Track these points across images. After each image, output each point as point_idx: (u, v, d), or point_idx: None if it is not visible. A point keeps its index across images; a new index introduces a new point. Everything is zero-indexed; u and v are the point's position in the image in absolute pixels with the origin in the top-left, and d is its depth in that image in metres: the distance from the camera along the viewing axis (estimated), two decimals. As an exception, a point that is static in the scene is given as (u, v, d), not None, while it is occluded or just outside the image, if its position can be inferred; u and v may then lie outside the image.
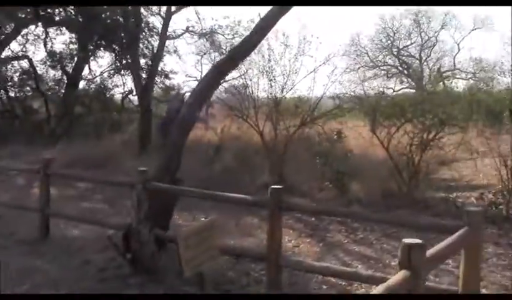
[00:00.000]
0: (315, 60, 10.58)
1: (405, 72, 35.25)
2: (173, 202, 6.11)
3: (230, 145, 12.15)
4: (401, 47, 35.19)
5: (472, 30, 34.74)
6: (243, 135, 12.04)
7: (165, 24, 15.44)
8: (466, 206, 3.98)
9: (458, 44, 34.59)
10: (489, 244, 6.50)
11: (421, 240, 2.71)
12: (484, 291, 4.60)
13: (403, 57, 35.92)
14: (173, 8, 15.37)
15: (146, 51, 16.07)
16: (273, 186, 5.01)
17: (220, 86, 11.42)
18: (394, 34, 35.05)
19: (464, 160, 11.60)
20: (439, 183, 11.75)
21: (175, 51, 17.40)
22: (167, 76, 18.01)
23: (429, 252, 2.84)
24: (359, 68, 34.97)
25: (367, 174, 9.34)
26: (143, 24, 15.38)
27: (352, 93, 9.41)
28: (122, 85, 17.99)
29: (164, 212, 5.89)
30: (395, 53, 35.18)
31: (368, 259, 6.19)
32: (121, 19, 15.01)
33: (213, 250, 4.46)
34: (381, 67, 35.53)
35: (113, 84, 18.02)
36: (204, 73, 10.27)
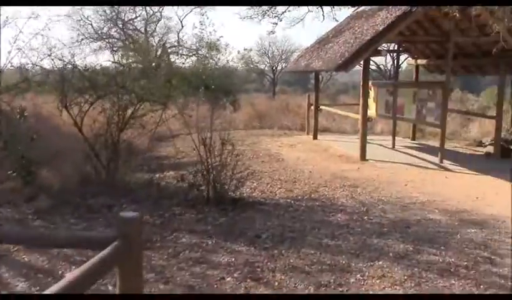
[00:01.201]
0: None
1: (131, 46, 34.39)
2: None
3: None
4: (126, 20, 34.40)
5: (192, 10, 35.90)
6: None
7: None
8: (124, 211, 3.02)
9: (181, 21, 35.47)
10: (185, 233, 6.00)
11: None
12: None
13: (129, 31, 35.02)
14: None
15: None
16: None
17: None
18: (119, 6, 33.82)
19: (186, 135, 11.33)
20: (152, 162, 11.27)
21: None
22: None
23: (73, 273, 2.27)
24: (82, 40, 32.72)
25: (60, 158, 8.04)
26: None
27: (39, 64, 7.86)
28: None
29: None
30: (120, 26, 34.10)
31: None
32: None
33: None
34: (106, 40, 34.05)
35: None
36: None
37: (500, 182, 9.10)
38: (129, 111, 7.96)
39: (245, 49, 33.74)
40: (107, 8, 32.90)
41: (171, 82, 7.63)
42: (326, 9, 22.01)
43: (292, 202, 7.44)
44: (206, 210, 6.90)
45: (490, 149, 12.44)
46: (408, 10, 10.54)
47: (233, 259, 5.16)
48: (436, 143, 13.79)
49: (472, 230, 6.04)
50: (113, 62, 8.38)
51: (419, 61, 14.84)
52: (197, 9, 35.76)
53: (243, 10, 32.89)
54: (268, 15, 21.59)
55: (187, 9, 35.32)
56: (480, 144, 14.30)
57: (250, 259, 5.18)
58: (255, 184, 8.57)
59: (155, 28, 35.52)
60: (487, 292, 4.40)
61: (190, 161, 9.99)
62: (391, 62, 36.31)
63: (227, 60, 9.19)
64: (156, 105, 8.16)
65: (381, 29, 10.75)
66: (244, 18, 22.89)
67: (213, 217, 6.62)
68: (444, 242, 5.60)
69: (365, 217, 6.62)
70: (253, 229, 6.16)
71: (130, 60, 8.83)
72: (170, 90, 7.54)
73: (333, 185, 8.53)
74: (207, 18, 35.21)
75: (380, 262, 5.00)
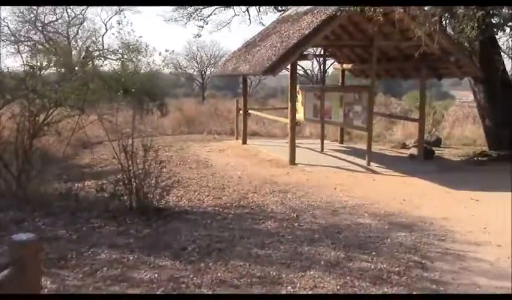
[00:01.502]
0: None
1: (52, 49, 32.78)
2: None
3: None
4: (46, 22, 32.85)
5: (120, 11, 34.92)
6: None
7: None
8: (18, 234, 2.57)
9: (106, 24, 34.39)
10: (104, 248, 5.52)
11: None
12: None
13: (50, 33, 33.42)
14: None
15: None
16: None
17: None
18: (38, 7, 32.26)
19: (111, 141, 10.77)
20: (72, 170, 10.59)
21: None
22: None
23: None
24: (-3, 41, 30.92)
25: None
26: None
27: None
28: None
29: None
30: (40, 28, 32.47)
31: None
32: None
33: None
34: (25, 43, 32.31)
35: None
36: None
37: (425, 183, 9.27)
38: (42, 117, 7.33)
39: (166, 50, 32.88)
40: (24, 9, 31.28)
41: (88, 85, 7.09)
42: (253, 12, 22.06)
43: (220, 210, 7.13)
44: (129, 222, 6.43)
45: (414, 150, 12.76)
46: (333, 14, 10.56)
47: (157, 275, 4.77)
48: (363, 146, 13.99)
49: (402, 234, 6.00)
50: (24, 65, 7.70)
51: (345, 66, 15.04)
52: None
53: (167, 12, 32.34)
54: (193, 18, 21.34)
55: (111, 12, 34.32)
56: (404, 146, 14.69)
57: (175, 274, 4.81)
58: (181, 192, 8.18)
59: (77, 31, 34.24)
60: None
61: (114, 169, 9.42)
62: (317, 67, 37.10)
63: (148, 63, 8.71)
64: (73, 111, 7.59)
65: (307, 32, 10.71)
66: (169, 20, 22.51)
67: (136, 229, 6.18)
68: (375, 247, 5.50)
69: (296, 224, 6.43)
70: (178, 240, 5.78)
71: (45, 63, 8.17)
72: (87, 95, 7.00)
73: (262, 191, 8.31)
74: (124, 16, 34.12)
75: (312, 272, 4.80)
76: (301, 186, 8.78)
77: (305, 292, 4.39)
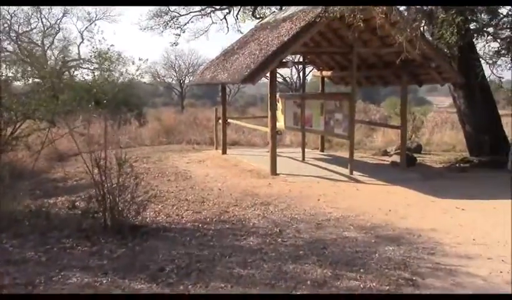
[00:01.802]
0: None
1: (27, 60, 32.12)
2: None
3: None
4: (20, 32, 32.22)
5: (96, 20, 34.55)
6: None
7: None
8: None
9: (82, 33, 33.91)
10: (76, 271, 5.17)
11: None
12: None
13: (24, 44, 32.74)
14: None
15: None
16: None
17: None
18: (12, 17, 31.65)
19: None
20: (45, 185, 10.17)
21: None
22: None
23: None
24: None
25: None
26: None
27: None
28: None
29: None
30: (14, 38, 31.80)
31: None
32: None
33: None
34: (-1, 54, 31.57)
35: None
36: None
37: (409, 192, 9.08)
38: (10, 130, 6.94)
39: (140, 59, 32.42)
40: (-4, 18, 30.57)
41: (57, 97, 6.72)
42: (231, 20, 21.86)
43: (200, 225, 6.81)
44: (103, 242, 6.08)
45: (396, 158, 12.61)
46: (313, 20, 10.37)
47: (132, 301, 4.44)
48: (343, 154, 13.84)
49: (390, 248, 5.75)
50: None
51: (325, 73, 14.86)
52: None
53: (143, 21, 31.89)
54: (170, 27, 21.03)
55: (87, 21, 33.72)
56: (385, 153, 14.55)
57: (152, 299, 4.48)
58: (159, 207, 7.84)
59: (53, 41, 33.67)
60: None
61: (89, 183, 8.93)
62: (296, 75, 37.06)
63: (121, 72, 8.38)
64: (42, 123, 7.22)
65: (286, 39, 10.49)
66: (144, 29, 22.16)
67: (110, 249, 5.82)
68: (363, 264, 5.24)
69: (279, 239, 6.14)
70: (155, 260, 5.45)
71: (19, 75, 7.79)
72: (57, 107, 6.64)
73: (243, 204, 8.01)
74: (95, 24, 33.48)
75: (298, 293, 4.51)
76: (284, 198, 8.51)
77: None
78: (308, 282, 4.75)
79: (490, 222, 7.04)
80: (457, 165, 12.60)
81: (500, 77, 11.58)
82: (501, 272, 5.01)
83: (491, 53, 11.29)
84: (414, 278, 4.84)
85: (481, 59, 12.08)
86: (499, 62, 11.23)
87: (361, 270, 5.04)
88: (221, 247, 5.86)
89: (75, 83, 9.23)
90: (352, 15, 8.97)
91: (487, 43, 11.49)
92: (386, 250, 5.68)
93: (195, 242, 6.09)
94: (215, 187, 9.56)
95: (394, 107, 22.33)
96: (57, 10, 33.05)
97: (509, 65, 11.38)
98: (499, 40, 11.17)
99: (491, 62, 11.29)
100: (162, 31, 21.57)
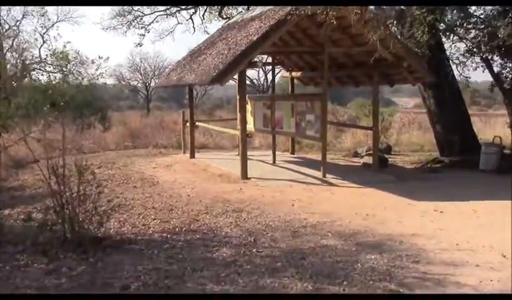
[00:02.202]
0: None
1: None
2: None
3: None
4: (-23, 34, 30.98)
5: (57, 22, 33.50)
6: None
7: None
8: None
9: (43, 36, 32.69)
10: (30, 292, 4.65)
11: None
12: None
13: (-19, 45, 31.45)
14: None
15: None
16: None
17: None
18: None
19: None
20: (3, 194, 9.53)
21: None
22: None
23: None
24: None
25: None
26: None
27: None
28: None
29: None
30: (-30, 40, 30.54)
31: None
32: None
33: None
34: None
35: None
36: None
37: (384, 194, 8.82)
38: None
39: (100, 57, 31.44)
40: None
41: (9, 100, 6.16)
42: (197, 21, 21.36)
43: (168, 236, 6.34)
44: (62, 257, 5.55)
45: (367, 159, 12.40)
46: (283, 18, 10.04)
47: (92, 326, 3.97)
48: (314, 156, 13.58)
49: (372, 256, 5.41)
50: None
51: (294, 74, 14.58)
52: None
53: (105, 20, 30.97)
54: (134, 27, 20.41)
55: (48, 23, 32.51)
56: (356, 154, 14.37)
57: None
58: (124, 216, 7.34)
59: (12, 43, 32.38)
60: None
61: (49, 192, 8.44)
62: (264, 76, 36.73)
63: (79, 72, 7.83)
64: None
65: (255, 38, 10.12)
66: (107, 29, 21.45)
67: (70, 266, 5.30)
68: (346, 275, 4.88)
69: (254, 250, 5.73)
70: (119, 277, 4.97)
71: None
72: (10, 111, 6.07)
73: (214, 212, 7.58)
74: (48, 19, 32.08)
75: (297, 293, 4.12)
76: (256, 203, 8.12)
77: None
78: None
79: (471, 225, 6.82)
80: (429, 165, 12.49)
81: (467, 77, 11.49)
82: (491, 280, 4.73)
83: (457, 54, 11.22)
84: (401, 290, 4.51)
85: (449, 59, 12.01)
86: (467, 62, 11.13)
87: (344, 282, 4.68)
88: (192, 260, 5.42)
89: (30, 85, 8.56)
90: (324, 13, 8.66)
91: (453, 43, 11.42)
92: (368, 259, 5.34)
93: (163, 255, 5.63)
94: (184, 193, 9.10)
95: (362, 108, 22.30)
96: (17, 12, 31.70)
97: (474, 65, 11.32)
98: (465, 40, 11.08)
99: (457, 62, 11.21)
100: (126, 31, 20.94)
